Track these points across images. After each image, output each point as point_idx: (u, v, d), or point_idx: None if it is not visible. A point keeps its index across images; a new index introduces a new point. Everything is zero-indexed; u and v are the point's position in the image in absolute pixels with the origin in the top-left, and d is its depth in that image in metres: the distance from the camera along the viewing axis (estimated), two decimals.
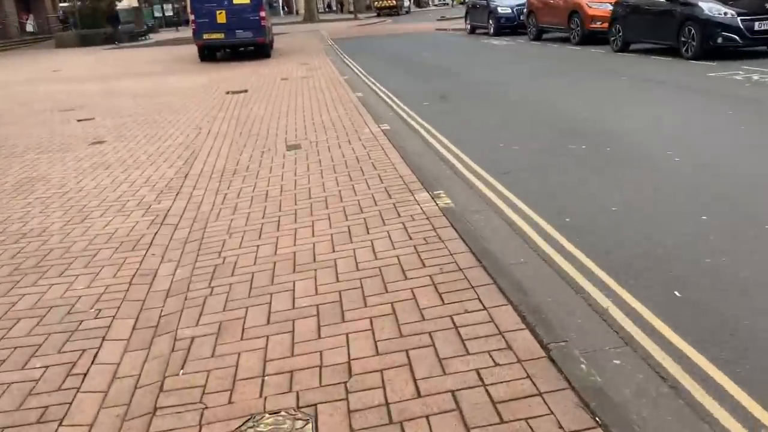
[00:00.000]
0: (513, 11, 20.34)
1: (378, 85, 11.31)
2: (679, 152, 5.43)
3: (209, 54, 17.47)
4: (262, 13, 16.48)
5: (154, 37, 34.10)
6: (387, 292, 2.95)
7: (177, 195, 5.11)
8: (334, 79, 12.01)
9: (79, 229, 4.38)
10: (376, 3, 53.10)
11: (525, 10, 18.89)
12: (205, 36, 16.59)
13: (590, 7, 15.15)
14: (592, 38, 15.08)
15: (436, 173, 5.17)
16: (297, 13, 54.44)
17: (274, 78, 12.84)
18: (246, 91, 11.20)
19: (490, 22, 20.92)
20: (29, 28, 34.08)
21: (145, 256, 3.83)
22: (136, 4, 46.98)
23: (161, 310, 3.07)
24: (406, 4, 56.00)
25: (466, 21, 23.60)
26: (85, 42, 29.41)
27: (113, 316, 3.03)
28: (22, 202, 5.18)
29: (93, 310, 3.11)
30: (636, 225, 3.90)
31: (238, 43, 17.02)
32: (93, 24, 30.83)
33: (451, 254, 3.32)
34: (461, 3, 69.06)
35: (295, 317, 2.82)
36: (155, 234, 4.21)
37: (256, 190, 5.05)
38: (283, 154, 6.23)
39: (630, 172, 5.02)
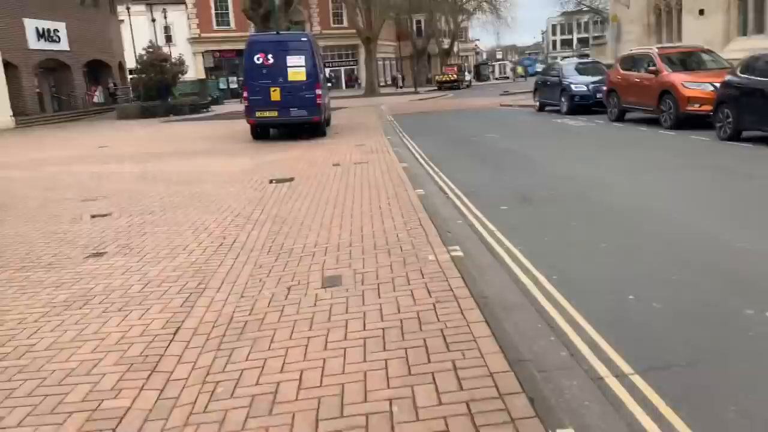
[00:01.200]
0: (589, 89, 18.69)
1: (442, 176, 9.63)
2: None
3: (262, 132, 16.42)
4: (318, 91, 15.33)
5: (215, 109, 34.20)
6: None
7: (148, 378, 3.39)
8: (391, 166, 10.43)
9: None
10: (437, 77, 52.78)
11: (604, 88, 17.11)
12: (258, 114, 15.49)
13: (686, 86, 13.22)
14: (687, 121, 13.11)
15: (547, 363, 3.25)
16: (359, 86, 54.65)
17: (326, 163, 11.40)
18: (292, 179, 9.74)
19: (563, 99, 19.31)
20: (96, 99, 34.86)
21: None
22: (203, 76, 48.29)
23: None
24: (467, 77, 55.41)
25: (534, 97, 22.05)
26: (146, 113, 29.52)
27: None
28: None
29: None
30: None
31: (292, 122, 15.85)
32: (158, 96, 31.09)
33: None
34: (521, 77, 68.40)
35: None
36: None
37: (262, 378, 3.27)
38: (315, 294, 4.49)
39: None
